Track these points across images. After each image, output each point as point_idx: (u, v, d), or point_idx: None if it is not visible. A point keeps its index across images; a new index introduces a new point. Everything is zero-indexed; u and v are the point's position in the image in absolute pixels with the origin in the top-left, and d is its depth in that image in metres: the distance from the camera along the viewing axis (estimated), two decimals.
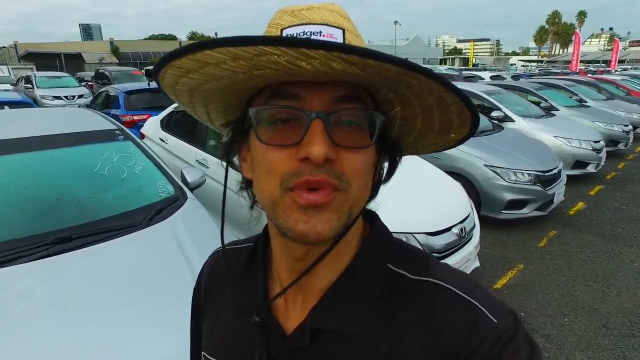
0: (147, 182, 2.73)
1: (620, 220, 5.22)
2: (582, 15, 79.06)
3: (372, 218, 0.58)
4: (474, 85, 8.09)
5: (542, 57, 75.57)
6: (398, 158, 0.56)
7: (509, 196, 4.59)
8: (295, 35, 0.47)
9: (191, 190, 2.87)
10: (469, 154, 4.79)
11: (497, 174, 4.61)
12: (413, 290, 0.52)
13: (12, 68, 26.42)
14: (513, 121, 6.78)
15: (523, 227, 4.90)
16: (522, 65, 55.42)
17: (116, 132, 3.05)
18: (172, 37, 61.99)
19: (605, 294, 3.57)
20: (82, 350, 1.51)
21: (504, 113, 6.83)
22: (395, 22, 52.44)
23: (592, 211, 5.56)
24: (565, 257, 4.24)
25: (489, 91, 7.51)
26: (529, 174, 4.70)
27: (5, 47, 42.64)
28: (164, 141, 4.80)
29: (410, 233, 2.92)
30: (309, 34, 0.47)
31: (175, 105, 5.09)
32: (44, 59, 35.78)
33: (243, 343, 0.59)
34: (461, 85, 8.25)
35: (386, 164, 0.56)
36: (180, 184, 2.80)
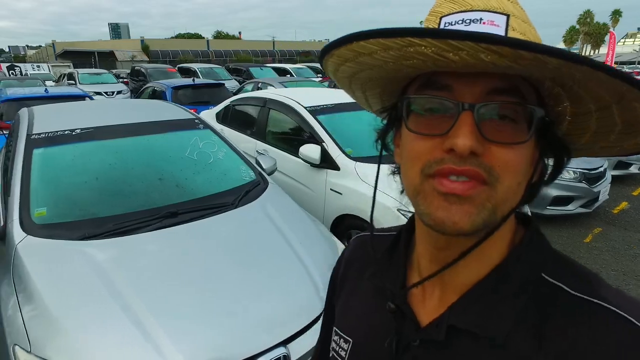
0: (230, 166, 3.00)
1: None
2: (616, 14, 76.70)
3: (528, 222, 0.54)
4: None
5: None
6: (566, 159, 0.50)
7: (554, 192, 4.70)
8: (453, 23, 0.45)
9: (268, 175, 3.12)
10: None
11: None
12: (574, 310, 0.46)
13: (52, 66, 27.51)
14: None
15: (567, 224, 4.98)
16: None
17: (196, 121, 3.34)
18: (198, 36, 63.17)
19: None
20: (220, 298, 1.78)
21: None
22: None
23: (637, 211, 5.59)
24: (613, 252, 4.32)
25: None
26: (574, 172, 4.79)
27: (42, 46, 44.33)
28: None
29: None
30: (468, 22, 0.45)
31: (230, 100, 5.40)
32: (79, 57, 37.21)
33: (375, 326, 0.58)
34: None
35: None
36: (259, 169, 3.06)
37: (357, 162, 3.51)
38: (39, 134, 2.69)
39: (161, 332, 1.62)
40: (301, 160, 3.78)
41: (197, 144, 3.07)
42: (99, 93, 14.64)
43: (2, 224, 2.20)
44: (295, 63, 27.18)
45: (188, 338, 1.63)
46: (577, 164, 4.84)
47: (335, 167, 3.57)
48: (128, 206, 2.35)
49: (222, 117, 5.33)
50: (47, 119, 2.96)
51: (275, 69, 18.83)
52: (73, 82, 15.61)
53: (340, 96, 4.67)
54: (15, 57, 78.57)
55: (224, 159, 3.04)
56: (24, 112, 3.12)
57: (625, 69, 32.68)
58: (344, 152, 3.60)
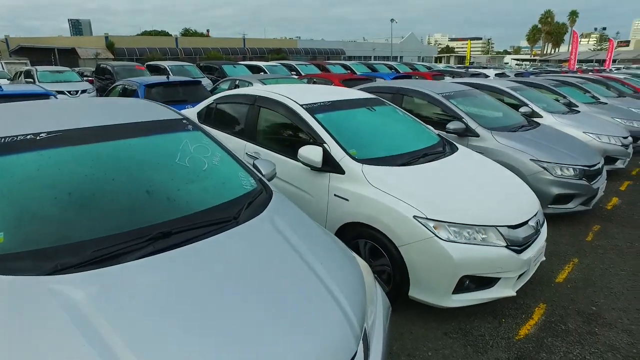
0: (228, 174, 2.63)
1: None
2: (573, 15, 79.83)
3: None
4: (499, 82, 8.05)
5: (533, 55, 76.16)
6: None
7: (556, 190, 4.56)
8: None
9: (268, 180, 2.76)
10: (515, 149, 4.75)
11: (545, 169, 4.58)
12: None
13: (6, 63, 25.76)
14: (541, 117, 6.76)
15: (566, 222, 4.87)
16: (516, 64, 55.77)
17: (184, 121, 2.93)
18: (165, 34, 61.17)
19: None
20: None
21: (532, 109, 6.80)
22: (392, 20, 52.30)
23: (629, 206, 5.56)
24: (617, 251, 4.22)
25: (514, 87, 7.48)
26: (574, 169, 4.67)
27: None
28: None
29: (495, 226, 2.85)
30: None
31: (213, 98, 4.98)
32: (37, 54, 34.97)
33: None
34: (489, 82, 8.27)
35: None
36: (260, 176, 2.70)
37: (365, 165, 3.21)
38: None
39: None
40: (299, 164, 3.44)
41: (188, 148, 2.67)
42: (61, 92, 13.67)
43: None
44: (267, 60, 26.61)
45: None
46: (577, 161, 4.73)
47: (340, 171, 3.25)
48: (110, 227, 1.92)
49: (204, 117, 4.90)
50: (1, 121, 2.47)
51: (248, 66, 18.29)
52: (31, 80, 14.55)
53: (336, 93, 4.37)
54: None
55: (219, 165, 2.66)
56: None
57: (584, 66, 33.95)
58: (348, 154, 3.29)
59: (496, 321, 3.04)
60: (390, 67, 22.55)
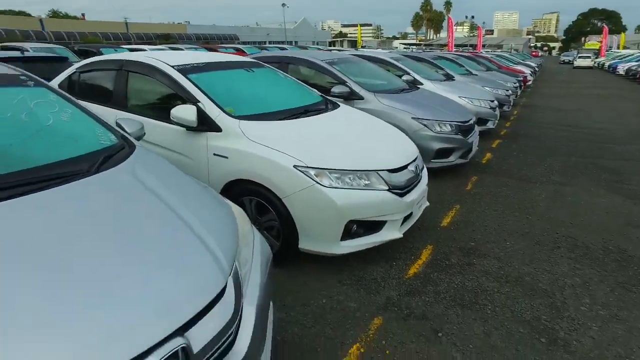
0: (81, 130, 2.28)
1: (523, 164, 5.93)
2: (448, 4, 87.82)
3: None
4: (382, 53, 8.43)
5: (419, 41, 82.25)
6: None
7: (436, 145, 4.89)
8: None
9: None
10: (397, 108, 4.97)
11: (425, 126, 4.87)
12: None
13: None
14: (422, 84, 7.22)
15: (449, 176, 5.26)
16: (404, 48, 59.66)
17: (21, 77, 2.46)
18: (25, 14, 53.16)
19: (529, 220, 4.01)
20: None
21: (413, 77, 7.22)
22: (283, 5, 52.17)
23: (499, 159, 6.24)
24: (491, 196, 4.67)
25: (396, 58, 7.90)
26: (451, 125, 5.05)
27: None
28: None
29: (375, 171, 2.90)
30: None
31: (74, 67, 4.36)
32: None
33: None
34: (373, 52, 8.56)
35: None
36: (122, 132, 2.38)
37: (242, 121, 3.04)
38: None
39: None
40: (173, 126, 3.15)
41: (26, 103, 2.24)
42: None
43: None
44: (155, 45, 24.68)
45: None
46: (453, 118, 5.11)
47: (217, 129, 3.04)
48: None
49: (66, 89, 4.26)
50: None
51: (132, 50, 16.76)
52: None
53: (211, 57, 4.09)
54: None
55: (70, 121, 2.28)
56: None
57: (461, 50, 37.66)
58: (223, 111, 3.09)
59: (387, 265, 3.13)
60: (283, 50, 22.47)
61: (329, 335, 2.36)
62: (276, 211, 2.85)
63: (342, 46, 59.85)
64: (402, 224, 3.12)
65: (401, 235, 3.06)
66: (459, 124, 5.12)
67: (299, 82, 4.36)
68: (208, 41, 47.84)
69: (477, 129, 5.70)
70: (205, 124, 3.07)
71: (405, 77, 7.03)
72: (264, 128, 3.05)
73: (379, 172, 2.91)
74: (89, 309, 1.18)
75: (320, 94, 4.27)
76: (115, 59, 3.90)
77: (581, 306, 2.66)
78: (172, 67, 3.43)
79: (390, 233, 3.01)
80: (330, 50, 21.22)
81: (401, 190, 3.01)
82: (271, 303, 1.98)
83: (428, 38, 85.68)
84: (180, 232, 1.60)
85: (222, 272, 1.49)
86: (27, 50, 13.71)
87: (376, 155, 3.07)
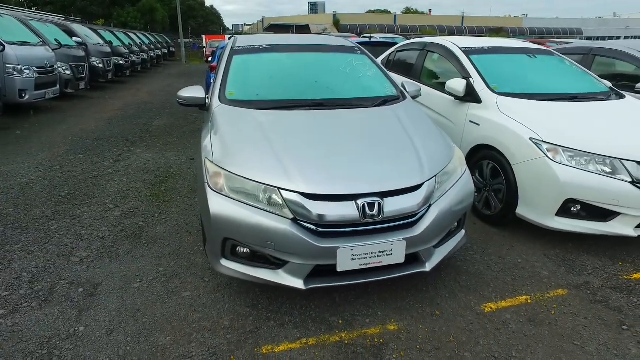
0: (376, 82, 3.44)
1: None
2: None
3: None
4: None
5: None
6: None
7: None
8: None
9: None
10: None
11: None
12: None
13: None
14: None
15: None
16: None
17: (355, 48, 3.86)
18: (387, 12, 64.23)
19: None
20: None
21: None
22: None
23: None
24: None
25: None
26: None
27: (254, 24, 51.97)
28: None
29: (619, 159, 2.84)
30: None
31: (393, 48, 5.76)
32: (281, 30, 42.53)
33: None
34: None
35: None
36: (402, 89, 3.42)
37: (500, 96, 3.52)
38: (239, 47, 3.62)
39: (292, 164, 2.20)
40: (446, 95, 3.95)
41: (352, 63, 3.60)
42: None
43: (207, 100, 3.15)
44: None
45: (311, 172, 2.17)
46: None
47: (477, 100, 3.64)
48: (289, 95, 3.05)
49: (386, 64, 5.75)
50: (246, 41, 3.91)
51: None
52: None
53: (500, 42, 4.57)
54: (236, 32, 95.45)
55: (371, 77, 3.50)
56: (233, 38, 4.14)
57: None
58: (488, 87, 3.64)
59: (610, 261, 3.00)
60: None
61: (506, 281, 2.73)
62: (505, 176, 3.27)
63: None
64: None
65: (635, 235, 2.87)
66: None
67: (585, 71, 4.25)
68: (543, 36, 44.36)
69: None
70: (470, 95, 3.74)
71: None
72: (517, 105, 3.43)
73: (623, 160, 2.83)
74: (337, 165, 2.24)
75: (609, 85, 4.07)
76: (421, 42, 5.00)
77: None
78: (460, 48, 4.20)
79: (622, 227, 2.88)
80: None
81: None
82: (464, 230, 2.61)
83: None
84: (404, 144, 2.49)
85: (420, 175, 2.27)
86: (376, 38, 17.45)
87: (630, 146, 2.93)
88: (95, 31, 13.17)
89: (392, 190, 2.16)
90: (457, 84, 3.76)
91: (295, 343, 2.16)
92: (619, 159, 2.85)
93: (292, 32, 42.79)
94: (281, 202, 2.11)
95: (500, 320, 2.35)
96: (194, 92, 3.19)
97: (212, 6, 79.74)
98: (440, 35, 35.77)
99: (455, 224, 2.53)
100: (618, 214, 2.88)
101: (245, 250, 2.25)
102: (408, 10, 72.16)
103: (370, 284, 2.58)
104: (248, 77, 3.32)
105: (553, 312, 2.44)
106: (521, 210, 3.18)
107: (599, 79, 4.17)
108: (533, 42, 19.46)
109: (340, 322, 2.32)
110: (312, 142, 2.44)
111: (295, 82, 3.28)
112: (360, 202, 2.08)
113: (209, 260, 2.42)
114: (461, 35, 40.58)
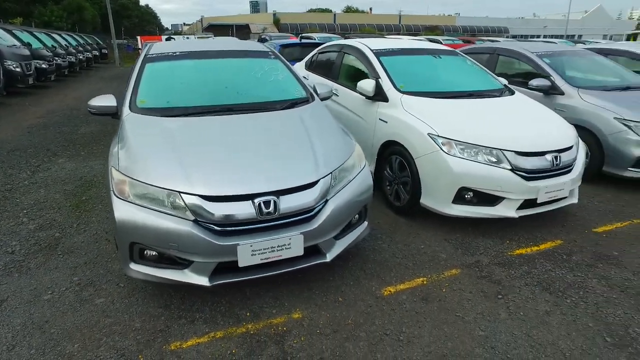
0: (287, 86, 3.60)
1: None
2: None
3: None
4: (633, 45, 7.14)
5: None
6: None
7: (638, 152, 4.30)
8: None
9: (320, 99, 3.64)
10: (599, 106, 4.57)
11: (629, 128, 4.33)
12: None
13: (198, 37, 31.76)
14: None
15: None
16: None
17: (269, 53, 4.00)
18: (328, 11, 65.06)
19: None
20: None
21: None
22: None
23: None
24: None
25: None
26: None
27: (192, 23, 50.75)
28: (305, 78, 5.71)
29: (501, 150, 3.21)
30: None
31: (316, 50, 5.96)
32: (220, 30, 41.80)
33: None
34: (621, 45, 7.40)
35: None
36: (312, 91, 3.60)
37: (404, 95, 3.81)
38: (152, 54, 3.64)
39: (194, 169, 2.31)
40: (358, 95, 4.20)
41: (264, 67, 3.73)
42: None
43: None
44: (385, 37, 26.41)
45: (211, 175, 2.29)
46: None
47: (385, 99, 3.92)
48: (199, 101, 3.13)
49: (308, 65, 5.94)
50: (160, 47, 3.92)
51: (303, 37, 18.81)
52: None
53: (407, 43, 4.92)
54: (175, 32, 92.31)
55: (282, 80, 3.65)
56: (148, 45, 4.13)
57: None
58: (394, 86, 3.92)
59: (500, 240, 3.38)
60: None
61: (407, 265, 3.01)
62: (410, 169, 3.55)
63: None
64: (524, 207, 3.29)
65: (516, 216, 3.26)
66: None
67: (485, 70, 4.69)
68: (474, 34, 47.01)
69: None
70: (379, 94, 4.00)
71: None
72: (419, 103, 3.73)
73: (504, 151, 3.20)
74: (237, 167, 2.38)
75: (504, 82, 4.51)
76: (338, 44, 5.24)
77: None
78: (371, 49, 4.47)
79: (505, 210, 3.26)
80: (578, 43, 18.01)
81: (527, 173, 3.20)
82: (366, 222, 2.84)
83: None
84: (303, 144, 2.66)
85: (316, 172, 2.45)
86: (314, 39, 17.71)
87: (510, 137, 3.31)
88: (9, 31, 12.25)
89: (287, 188, 2.32)
90: (367, 84, 4.01)
91: (203, 337, 2.27)
92: (501, 149, 3.22)
93: (232, 32, 42.19)
94: (183, 205, 2.22)
95: (397, 301, 2.60)
96: (104, 100, 3.18)
97: (147, 5, 76.77)
98: (379, 34, 36.78)
99: (357, 216, 2.75)
100: (502, 198, 3.25)
101: (152, 253, 2.34)
102: (349, 9, 73.52)
103: (280, 277, 2.75)
104: (160, 85, 3.36)
105: (444, 290, 2.73)
106: (424, 200, 3.48)
107: (496, 77, 4.61)
108: (465, 40, 20.61)
109: (248, 314, 2.46)
110: (216, 146, 2.56)
111: (207, 88, 3.35)
112: (257, 201, 2.23)
113: (120, 265, 2.47)
114: (399, 34, 42.16)
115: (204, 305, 2.54)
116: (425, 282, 2.81)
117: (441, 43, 18.12)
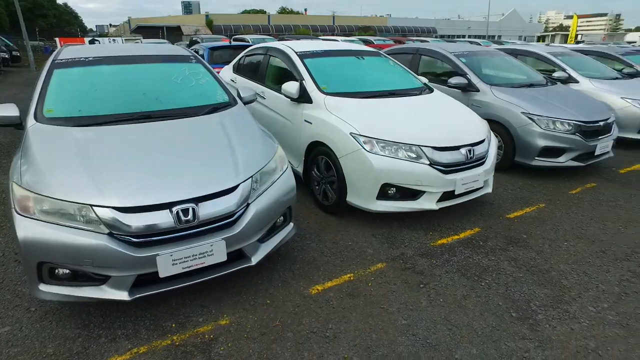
0: (209, 91, 3.53)
1: None
2: None
3: None
4: (539, 47, 7.90)
5: None
6: None
7: (542, 143, 4.73)
8: None
9: (244, 103, 3.61)
10: (509, 102, 4.97)
11: (533, 121, 4.76)
12: None
13: (125, 39, 30.00)
14: (577, 82, 6.62)
15: (561, 178, 4.99)
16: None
17: (190, 57, 3.90)
18: (262, 12, 64.57)
19: (619, 231, 3.70)
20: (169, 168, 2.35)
21: (568, 74, 6.69)
22: None
23: None
24: (594, 203, 4.33)
25: (555, 53, 7.33)
26: (568, 123, 4.76)
27: (120, 25, 48.13)
28: (233, 81, 5.64)
29: (419, 145, 3.38)
30: None
31: (243, 53, 5.91)
32: (150, 32, 39.96)
33: None
34: (528, 47, 8.10)
35: None
36: (235, 96, 3.56)
37: (327, 96, 3.89)
38: (61, 60, 3.40)
39: (106, 180, 2.20)
40: (284, 97, 4.22)
41: (185, 72, 3.63)
42: None
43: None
44: (329, 36, 27.05)
45: (125, 186, 2.19)
46: (571, 116, 4.81)
47: (309, 101, 3.97)
48: (113, 109, 2.97)
49: (236, 68, 5.87)
50: (72, 52, 3.67)
51: (237, 39, 19.07)
52: None
53: (331, 45, 5.03)
54: (100, 34, 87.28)
55: (204, 85, 3.57)
56: (57, 50, 3.85)
57: None
58: (318, 88, 3.99)
59: (423, 232, 3.57)
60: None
61: (335, 263, 3.08)
62: (335, 168, 3.63)
63: (553, 41, 52.65)
64: (444, 199, 3.50)
65: (436, 208, 3.46)
66: (580, 123, 4.77)
67: (407, 70, 4.91)
68: (405, 34, 49.03)
69: (614, 132, 5.13)
70: (303, 96, 4.05)
71: (557, 74, 6.67)
72: (342, 103, 3.83)
73: (422, 147, 3.38)
74: (155, 175, 2.29)
75: (423, 81, 4.75)
76: (264, 46, 5.23)
77: (589, 305, 2.65)
78: (296, 52, 4.50)
79: (426, 203, 3.44)
80: (507, 44, 19.64)
81: (444, 167, 3.40)
82: (292, 223, 2.86)
83: None
84: (223, 149, 2.63)
85: (235, 178, 2.43)
86: (248, 41, 17.51)
87: (428, 134, 3.50)
88: None
89: (206, 194, 2.29)
90: (291, 87, 4.04)
91: (124, 355, 2.17)
92: (419, 145, 3.39)
93: (163, 34, 40.51)
94: (96, 219, 2.11)
95: (324, 299, 2.65)
96: (4, 110, 2.93)
97: (65, 4, 71.41)
98: (314, 35, 37.23)
99: (282, 217, 2.77)
100: (423, 192, 3.43)
101: (65, 272, 2.20)
102: (283, 10, 73.51)
103: (208, 284, 2.70)
104: (70, 92, 3.14)
105: (370, 284, 2.83)
106: (350, 198, 3.58)
107: (416, 76, 4.85)
108: (396, 40, 21.42)
109: (174, 325, 2.39)
110: (130, 155, 2.45)
111: (122, 95, 3.19)
112: (175, 209, 2.18)
113: (28, 288, 2.29)
114: (333, 34, 42.91)
115: (126, 320, 2.43)
116: (352, 278, 2.89)
117: (373, 43, 18.71)
